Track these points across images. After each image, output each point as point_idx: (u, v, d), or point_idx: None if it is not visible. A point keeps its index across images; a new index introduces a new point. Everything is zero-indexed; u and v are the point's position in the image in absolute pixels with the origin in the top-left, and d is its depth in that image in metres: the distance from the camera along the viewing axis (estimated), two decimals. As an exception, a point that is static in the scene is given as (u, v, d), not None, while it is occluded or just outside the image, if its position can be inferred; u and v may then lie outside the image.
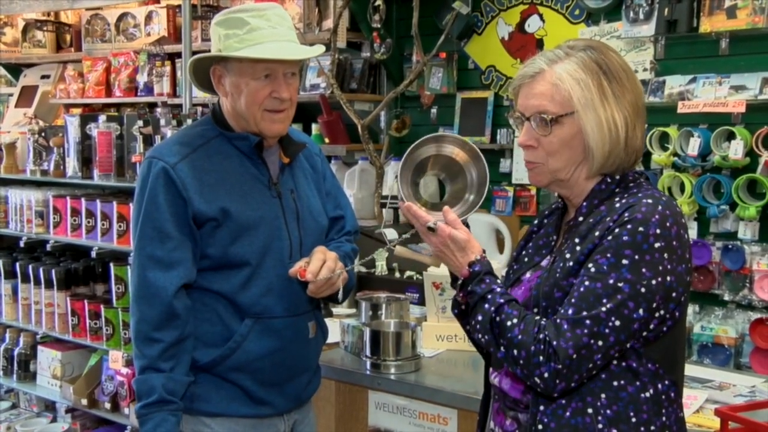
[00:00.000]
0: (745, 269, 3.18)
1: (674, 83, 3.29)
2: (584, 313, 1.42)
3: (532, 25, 3.89)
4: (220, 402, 2.01)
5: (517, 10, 3.92)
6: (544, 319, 1.48)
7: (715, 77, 3.23)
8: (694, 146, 3.22)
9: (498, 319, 1.50)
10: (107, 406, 3.59)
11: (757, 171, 3.12)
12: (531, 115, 1.54)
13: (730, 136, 3.17)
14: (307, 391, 2.16)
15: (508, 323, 1.49)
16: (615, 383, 1.48)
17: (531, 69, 1.55)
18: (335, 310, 3.13)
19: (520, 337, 1.47)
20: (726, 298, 3.22)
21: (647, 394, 1.49)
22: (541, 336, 1.44)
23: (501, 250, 3.70)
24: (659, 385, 1.50)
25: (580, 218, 1.55)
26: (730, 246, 3.20)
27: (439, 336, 2.72)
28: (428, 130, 4.21)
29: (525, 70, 1.56)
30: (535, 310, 1.53)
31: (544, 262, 1.62)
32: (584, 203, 1.56)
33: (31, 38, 5.62)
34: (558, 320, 1.45)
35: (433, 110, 4.22)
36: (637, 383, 1.49)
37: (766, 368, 3.06)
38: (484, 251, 1.62)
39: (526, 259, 1.68)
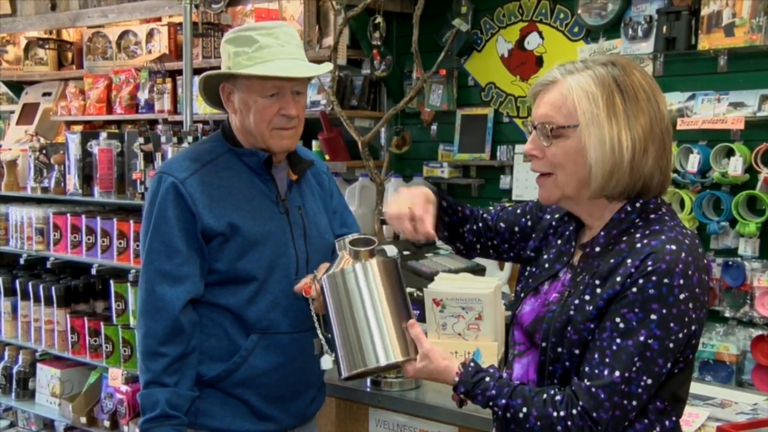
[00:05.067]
0: (745, 286, 3.18)
1: (673, 100, 3.31)
2: (617, 373, 1.41)
3: (532, 42, 3.91)
4: (224, 418, 2.01)
5: (517, 27, 3.94)
6: (560, 394, 1.46)
7: (714, 94, 3.24)
8: (693, 163, 3.22)
9: (509, 415, 1.51)
10: (106, 424, 3.57)
11: (756, 187, 3.13)
12: (538, 124, 1.52)
13: (730, 153, 3.18)
14: (312, 408, 2.16)
15: (520, 415, 1.49)
16: None
17: (546, 78, 1.53)
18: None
19: (538, 424, 1.46)
20: (727, 314, 3.22)
21: None
22: (574, 411, 1.43)
23: (501, 267, 3.70)
24: (666, 422, 1.50)
25: (597, 248, 1.52)
26: (730, 262, 3.20)
27: (440, 353, 2.71)
28: (428, 147, 4.24)
29: (541, 79, 1.55)
30: (543, 344, 1.51)
31: (561, 275, 1.58)
32: (602, 233, 1.52)
33: (33, 56, 5.65)
34: (594, 389, 1.43)
35: (433, 127, 4.24)
36: (645, 421, 1.48)
37: (768, 385, 3.05)
38: (461, 363, 1.59)
39: (546, 265, 1.62)
